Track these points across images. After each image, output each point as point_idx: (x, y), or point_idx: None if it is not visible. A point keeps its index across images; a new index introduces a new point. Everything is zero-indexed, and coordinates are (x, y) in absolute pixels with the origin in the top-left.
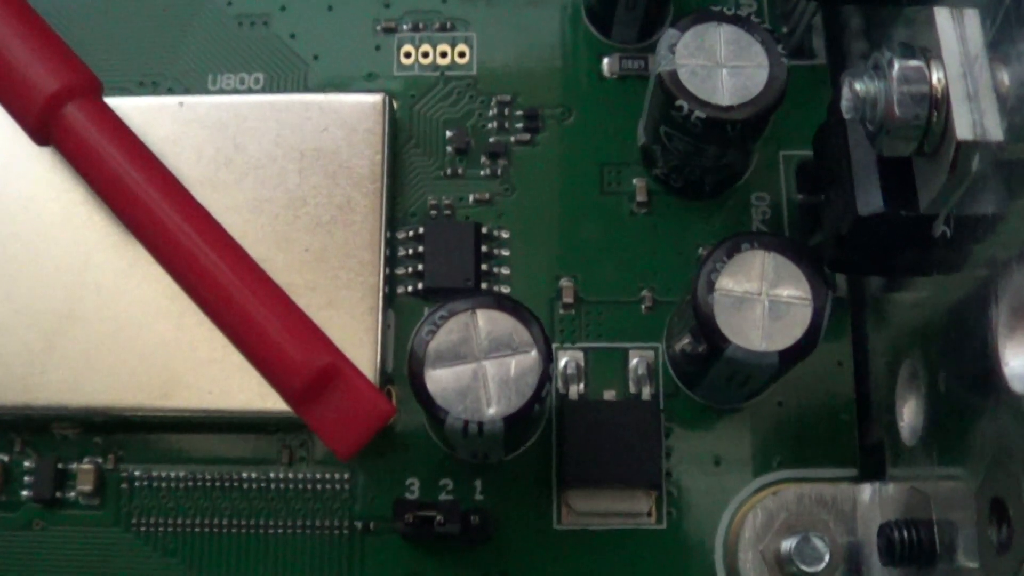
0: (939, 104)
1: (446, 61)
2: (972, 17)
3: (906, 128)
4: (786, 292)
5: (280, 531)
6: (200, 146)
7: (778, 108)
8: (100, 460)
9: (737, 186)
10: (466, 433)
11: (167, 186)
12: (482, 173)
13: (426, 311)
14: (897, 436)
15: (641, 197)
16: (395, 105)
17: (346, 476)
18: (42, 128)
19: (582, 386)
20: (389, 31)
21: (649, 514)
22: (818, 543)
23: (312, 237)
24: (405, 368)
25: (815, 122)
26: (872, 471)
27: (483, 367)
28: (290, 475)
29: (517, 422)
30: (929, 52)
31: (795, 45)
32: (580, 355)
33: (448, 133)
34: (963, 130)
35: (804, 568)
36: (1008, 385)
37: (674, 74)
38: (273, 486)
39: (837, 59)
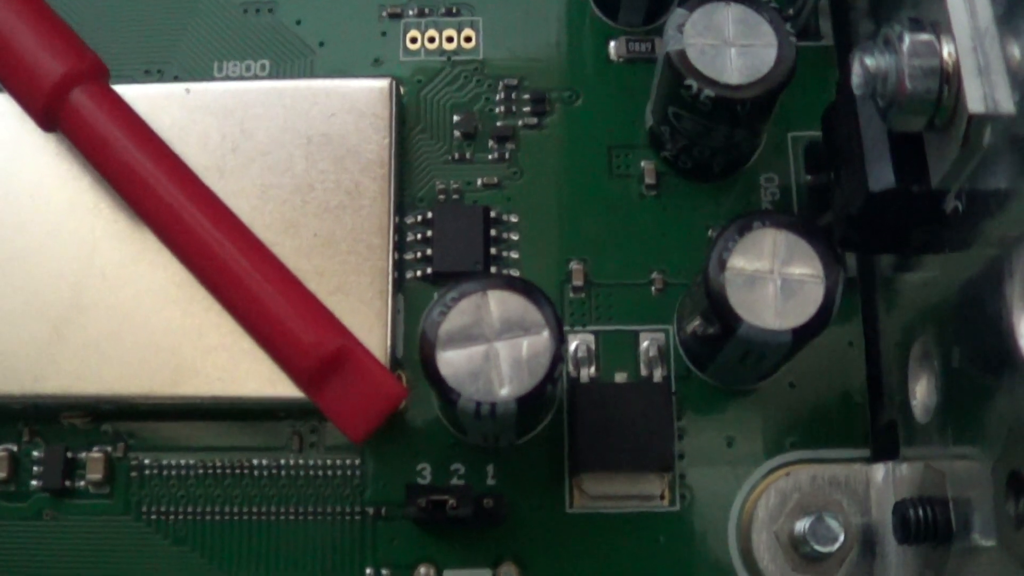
0: (950, 78)
1: (452, 46)
2: None
3: (917, 102)
4: (798, 270)
5: (291, 518)
6: (207, 133)
7: (787, 86)
8: (109, 449)
9: (746, 168)
10: (479, 415)
11: (175, 170)
12: (490, 157)
13: (435, 296)
14: (910, 415)
15: (650, 179)
16: (402, 90)
17: (357, 462)
18: (48, 114)
19: (593, 369)
20: (395, 16)
21: (662, 496)
22: (832, 523)
23: (320, 222)
24: (415, 353)
25: (823, 103)
26: (884, 451)
27: (495, 348)
28: (300, 461)
29: (530, 403)
30: (939, 26)
31: (801, 26)
32: (591, 338)
33: (455, 117)
34: (975, 103)
35: (818, 548)
36: None
37: (683, 53)
38: (283, 473)
39: (844, 40)
